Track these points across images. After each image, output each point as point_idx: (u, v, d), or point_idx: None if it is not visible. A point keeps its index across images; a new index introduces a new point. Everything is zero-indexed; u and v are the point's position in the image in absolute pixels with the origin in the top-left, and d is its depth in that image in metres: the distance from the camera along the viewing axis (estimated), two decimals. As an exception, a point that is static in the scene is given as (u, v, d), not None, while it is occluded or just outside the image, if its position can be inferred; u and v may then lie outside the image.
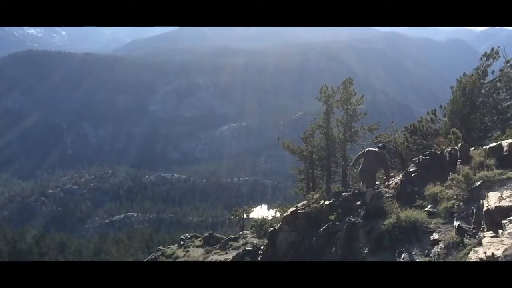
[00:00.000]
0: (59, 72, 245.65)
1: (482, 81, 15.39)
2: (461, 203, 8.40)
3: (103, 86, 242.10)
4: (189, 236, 26.38)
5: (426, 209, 9.15)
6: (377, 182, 12.42)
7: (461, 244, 6.97)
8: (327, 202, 12.91)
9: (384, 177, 12.76)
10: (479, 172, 8.63)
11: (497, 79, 15.32)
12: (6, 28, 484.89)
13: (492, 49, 15.24)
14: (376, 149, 11.71)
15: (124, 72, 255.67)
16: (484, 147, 10.38)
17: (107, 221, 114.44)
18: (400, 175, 12.30)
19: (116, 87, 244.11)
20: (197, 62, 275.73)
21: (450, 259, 6.87)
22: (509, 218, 6.22)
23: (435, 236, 7.81)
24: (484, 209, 6.97)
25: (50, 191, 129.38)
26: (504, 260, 5.22)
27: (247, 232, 22.75)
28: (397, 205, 9.82)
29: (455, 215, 8.13)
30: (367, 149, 12.17)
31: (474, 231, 7.15)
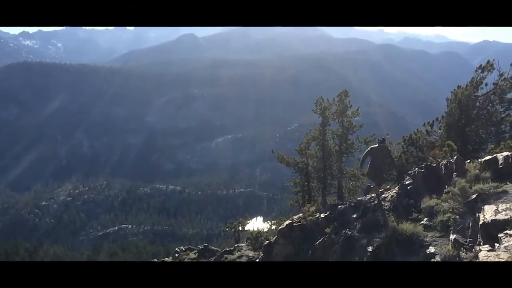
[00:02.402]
0: (55, 83, 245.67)
1: (476, 93, 15.52)
2: (457, 216, 8.37)
3: (99, 97, 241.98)
4: (183, 249, 26.19)
5: (422, 222, 9.12)
6: (373, 195, 12.42)
7: (457, 258, 6.93)
8: (323, 215, 12.86)
9: (380, 190, 12.74)
10: (474, 185, 8.63)
11: (491, 91, 15.45)
12: (1, 39, 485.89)
13: (488, 62, 15.41)
14: (377, 145, 11.97)
15: (120, 83, 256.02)
16: (479, 160, 10.41)
17: (101, 233, 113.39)
18: (396, 188, 12.29)
19: (112, 98, 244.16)
20: (193, 74, 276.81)
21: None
22: (505, 232, 6.20)
23: (432, 249, 7.76)
24: (480, 223, 6.95)
25: (43, 203, 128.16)
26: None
27: (243, 244, 22.59)
28: (393, 218, 9.78)
29: (451, 228, 8.09)
30: (370, 147, 12.38)
31: (470, 244, 7.12)
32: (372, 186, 12.49)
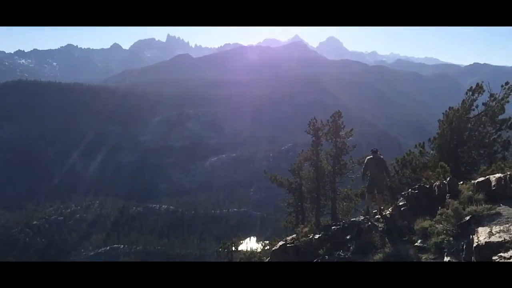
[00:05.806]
0: (49, 102, 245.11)
1: (468, 115, 15.65)
2: (451, 238, 8.33)
3: (93, 116, 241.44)
4: (176, 270, 25.81)
5: (416, 244, 9.07)
6: (367, 217, 12.39)
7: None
8: (316, 236, 12.75)
9: (376, 210, 12.69)
10: (468, 207, 8.61)
11: (482, 113, 15.60)
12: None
13: (477, 84, 15.61)
14: (372, 156, 12.21)
15: (114, 102, 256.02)
16: (472, 181, 10.42)
17: (92, 253, 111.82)
18: (390, 209, 12.26)
19: (106, 117, 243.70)
20: (188, 93, 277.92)
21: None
22: (499, 255, 6.15)
23: (426, 272, 7.68)
24: (474, 245, 6.91)
25: (35, 222, 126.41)
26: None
27: (236, 265, 22.33)
28: (387, 239, 9.72)
29: (445, 250, 8.04)
30: (366, 159, 12.59)
31: (464, 267, 7.06)
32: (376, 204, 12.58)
